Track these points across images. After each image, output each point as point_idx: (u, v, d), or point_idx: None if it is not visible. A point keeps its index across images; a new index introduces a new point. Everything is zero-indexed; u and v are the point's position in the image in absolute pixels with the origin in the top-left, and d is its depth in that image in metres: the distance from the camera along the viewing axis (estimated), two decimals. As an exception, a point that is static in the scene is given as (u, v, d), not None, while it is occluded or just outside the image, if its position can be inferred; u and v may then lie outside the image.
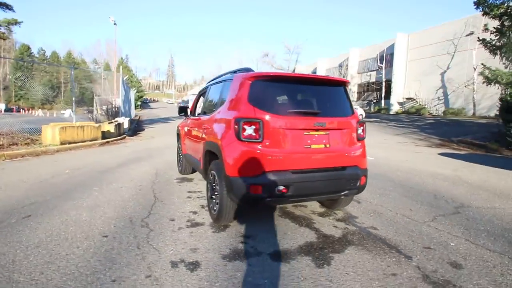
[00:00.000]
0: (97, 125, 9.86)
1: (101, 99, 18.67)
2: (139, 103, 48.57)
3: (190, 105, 5.74)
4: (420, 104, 29.68)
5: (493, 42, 12.58)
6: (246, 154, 2.71)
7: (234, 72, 3.59)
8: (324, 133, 2.95)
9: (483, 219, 3.60)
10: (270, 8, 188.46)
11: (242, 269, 2.35)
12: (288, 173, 2.73)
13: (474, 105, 24.24)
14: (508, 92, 11.60)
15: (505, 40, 11.79)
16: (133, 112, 27.22)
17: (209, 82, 4.82)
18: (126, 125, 13.72)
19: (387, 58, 34.26)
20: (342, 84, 3.25)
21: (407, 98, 31.76)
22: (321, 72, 45.28)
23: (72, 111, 11.72)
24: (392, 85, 33.03)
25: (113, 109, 16.25)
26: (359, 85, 40.20)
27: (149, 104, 68.01)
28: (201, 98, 5.01)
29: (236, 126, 2.77)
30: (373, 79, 37.50)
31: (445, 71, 27.43)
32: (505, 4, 11.71)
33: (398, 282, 2.22)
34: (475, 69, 23.26)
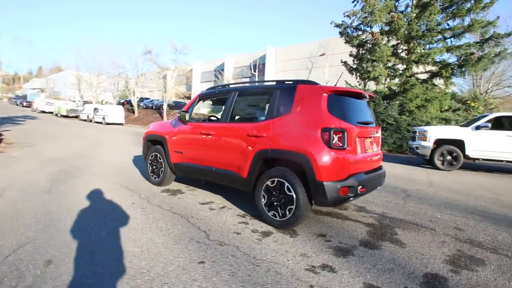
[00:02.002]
0: (-42, 129, 6.89)
1: None
2: None
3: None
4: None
5: (352, 65, 16.72)
6: (337, 160, 3.02)
7: (282, 82, 3.68)
8: (372, 139, 3.61)
9: (426, 198, 5.17)
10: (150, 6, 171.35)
11: (364, 261, 2.70)
12: (363, 174, 3.23)
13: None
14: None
15: (360, 64, 15.93)
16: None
17: (221, 87, 4.50)
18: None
19: (260, 67, 38.35)
20: (371, 98, 3.99)
21: (277, 104, 36.53)
22: (197, 75, 45.89)
23: None
24: (265, 92, 37.19)
25: None
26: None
27: (-41, 98, 49.00)
28: (201, 103, 4.64)
29: (325, 135, 3.02)
30: (247, 85, 40.95)
31: (306, 83, 33.41)
32: (360, 37, 15.82)
33: (453, 245, 3.14)
34: (326, 83, 29.51)
